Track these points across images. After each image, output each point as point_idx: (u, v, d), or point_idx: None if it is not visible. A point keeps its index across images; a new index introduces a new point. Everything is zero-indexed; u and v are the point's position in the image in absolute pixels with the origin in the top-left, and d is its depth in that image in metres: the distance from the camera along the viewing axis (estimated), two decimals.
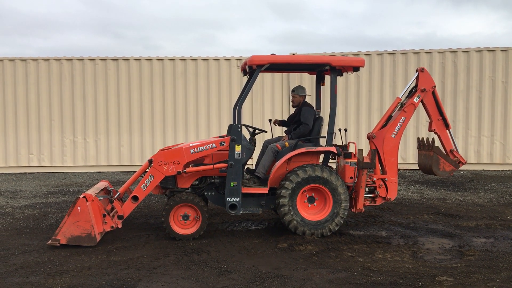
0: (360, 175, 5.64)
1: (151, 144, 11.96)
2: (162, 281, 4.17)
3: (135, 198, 5.44)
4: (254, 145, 5.94)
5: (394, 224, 6.25)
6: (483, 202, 7.69)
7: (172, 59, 11.96)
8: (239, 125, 5.50)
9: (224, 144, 5.56)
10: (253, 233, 5.85)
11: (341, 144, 6.14)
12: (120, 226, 5.41)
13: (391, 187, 5.87)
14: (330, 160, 5.91)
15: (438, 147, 6.00)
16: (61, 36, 36.11)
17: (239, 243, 5.34)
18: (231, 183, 5.44)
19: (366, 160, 5.72)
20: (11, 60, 11.80)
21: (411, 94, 6.03)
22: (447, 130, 6.05)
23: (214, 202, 5.77)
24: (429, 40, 35.32)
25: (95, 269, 4.49)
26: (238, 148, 5.45)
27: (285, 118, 6.63)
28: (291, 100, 6.34)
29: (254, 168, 6.14)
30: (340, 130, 6.46)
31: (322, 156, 5.93)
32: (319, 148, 5.71)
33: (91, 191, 5.51)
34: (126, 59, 11.92)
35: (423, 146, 6.19)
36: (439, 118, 6.01)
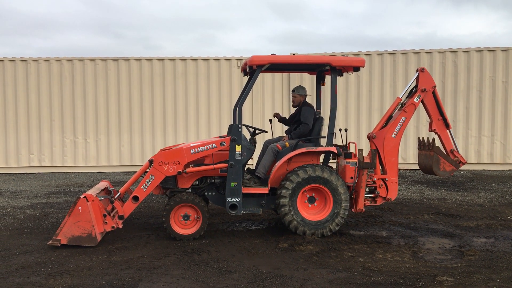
0: (360, 175, 5.64)
1: (151, 144, 11.97)
2: (163, 281, 4.17)
3: (135, 198, 5.45)
4: (255, 145, 5.94)
5: (395, 224, 6.25)
6: (484, 202, 7.69)
7: (172, 59, 11.96)
8: (240, 125, 5.50)
9: (225, 144, 5.56)
10: (253, 233, 5.85)
11: (342, 144, 6.15)
12: (120, 226, 5.41)
13: (392, 187, 5.87)
14: (331, 160, 5.92)
15: (438, 147, 6.00)
16: (61, 36, 36.18)
17: (239, 243, 5.34)
18: (232, 183, 5.44)
19: (367, 160, 5.73)
20: (12, 60, 11.81)
21: (411, 94, 6.03)
22: (448, 130, 6.05)
23: (214, 202, 5.78)
24: (429, 40, 35.38)
25: (96, 269, 4.49)
26: (238, 148, 5.46)
27: (287, 117, 6.62)
28: (291, 100, 6.34)
29: (254, 168, 6.14)
30: (340, 130, 6.46)
31: (322, 156, 5.94)
32: (319, 148, 5.71)
33: (92, 191, 5.51)
34: (127, 59, 11.92)
35: (424, 146, 6.19)
36: (440, 118, 6.01)
